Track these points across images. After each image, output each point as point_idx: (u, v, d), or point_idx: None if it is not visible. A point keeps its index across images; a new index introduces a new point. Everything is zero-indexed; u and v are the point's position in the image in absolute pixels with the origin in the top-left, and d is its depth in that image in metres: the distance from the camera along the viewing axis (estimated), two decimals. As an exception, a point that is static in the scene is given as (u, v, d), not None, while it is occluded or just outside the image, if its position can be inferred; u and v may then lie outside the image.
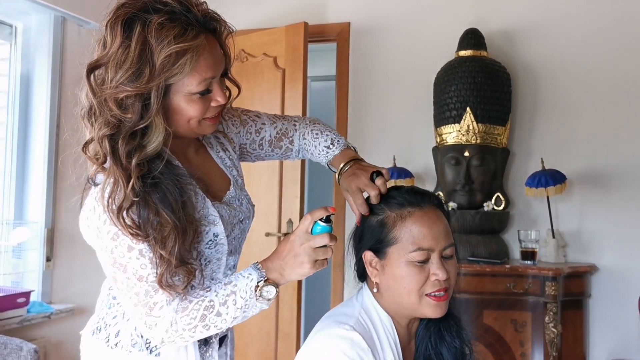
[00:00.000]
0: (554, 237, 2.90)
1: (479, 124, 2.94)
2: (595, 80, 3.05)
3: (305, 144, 1.44)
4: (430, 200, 1.24)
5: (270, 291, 1.13)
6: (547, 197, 2.87)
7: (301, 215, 3.16)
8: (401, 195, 1.24)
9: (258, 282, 1.12)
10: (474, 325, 2.72)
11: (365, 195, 1.26)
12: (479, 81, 2.93)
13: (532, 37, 3.16)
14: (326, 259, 1.14)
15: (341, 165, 1.34)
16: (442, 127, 3.04)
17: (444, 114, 3.02)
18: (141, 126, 1.10)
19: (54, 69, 3.28)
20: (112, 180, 1.08)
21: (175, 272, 1.09)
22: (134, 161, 1.09)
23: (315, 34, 3.35)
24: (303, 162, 3.46)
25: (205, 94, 1.15)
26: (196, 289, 1.14)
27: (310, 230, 1.13)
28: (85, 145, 1.15)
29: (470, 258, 2.84)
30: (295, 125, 1.45)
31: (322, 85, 4.62)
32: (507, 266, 2.73)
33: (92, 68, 1.11)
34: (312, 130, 1.44)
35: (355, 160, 1.34)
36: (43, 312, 3.06)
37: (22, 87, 3.26)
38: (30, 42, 3.29)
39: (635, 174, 2.95)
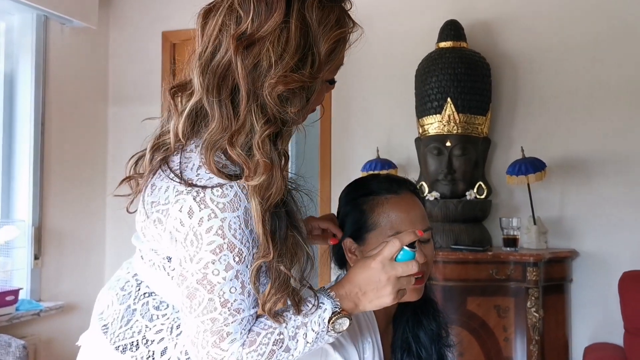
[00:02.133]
0: (535, 223, 2.95)
1: (460, 114, 2.98)
2: (574, 69, 3.10)
3: None
4: (406, 187, 1.28)
5: (343, 324, 0.99)
6: (528, 185, 2.93)
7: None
8: (378, 183, 1.28)
9: (332, 314, 0.97)
10: (458, 311, 2.77)
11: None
12: (459, 72, 2.98)
13: (511, 27, 3.21)
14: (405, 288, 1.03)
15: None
16: (423, 118, 3.09)
17: (425, 105, 3.07)
18: (296, 124, 0.96)
19: (38, 68, 3.29)
20: (264, 189, 0.92)
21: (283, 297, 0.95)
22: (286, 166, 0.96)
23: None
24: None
25: (333, 82, 1.03)
26: (261, 317, 0.98)
27: (394, 257, 1.01)
28: (232, 137, 0.93)
29: (454, 246, 2.88)
30: None
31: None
32: (490, 253, 2.78)
33: (247, 43, 0.91)
34: None
35: None
36: (32, 309, 3.09)
37: (5, 86, 3.27)
38: (13, 41, 3.30)
39: (612, 160, 3.01)
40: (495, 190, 3.15)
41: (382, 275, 0.99)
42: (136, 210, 1.09)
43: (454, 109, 2.98)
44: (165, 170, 0.98)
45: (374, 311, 1.26)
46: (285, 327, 0.96)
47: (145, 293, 1.05)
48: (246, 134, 0.93)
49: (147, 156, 1.04)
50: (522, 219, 2.96)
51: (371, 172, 1.36)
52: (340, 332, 0.99)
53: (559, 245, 3.05)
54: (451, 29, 3.09)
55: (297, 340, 0.96)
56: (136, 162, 1.08)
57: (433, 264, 2.61)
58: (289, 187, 1.01)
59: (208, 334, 0.92)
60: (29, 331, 3.13)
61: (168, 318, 1.03)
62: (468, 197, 2.99)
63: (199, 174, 0.94)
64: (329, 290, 1.01)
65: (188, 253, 0.92)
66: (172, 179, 0.95)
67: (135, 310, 1.04)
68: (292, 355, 0.96)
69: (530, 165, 2.87)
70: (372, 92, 3.42)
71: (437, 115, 3.02)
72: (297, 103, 0.94)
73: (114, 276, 1.15)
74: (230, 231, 0.91)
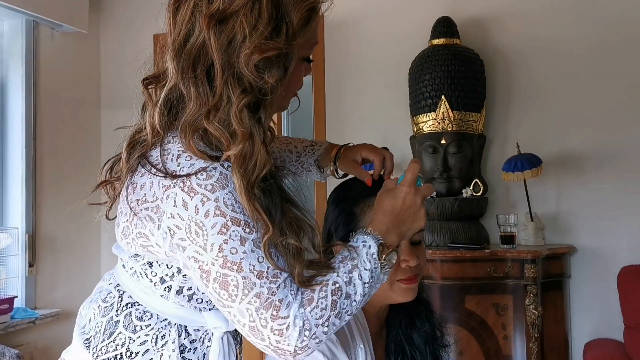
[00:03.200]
0: (532, 220, 2.93)
1: (455, 112, 2.96)
2: (569, 64, 3.08)
3: (272, 152, 1.34)
4: None
5: (392, 257, 0.98)
6: (524, 181, 2.90)
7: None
8: (366, 185, 1.25)
9: (378, 249, 0.97)
10: (456, 310, 2.75)
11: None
12: (452, 69, 2.95)
13: (505, 23, 3.18)
14: None
15: (338, 148, 1.32)
16: (418, 116, 3.06)
17: (419, 103, 3.05)
18: (273, 95, 0.95)
19: (28, 73, 3.27)
20: (243, 159, 0.91)
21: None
22: (268, 138, 0.96)
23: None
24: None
25: (310, 61, 1.04)
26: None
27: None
28: (209, 112, 0.92)
29: (451, 245, 2.86)
30: None
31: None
32: (487, 251, 2.76)
33: (218, 19, 0.93)
34: (276, 138, 1.35)
35: (344, 145, 1.33)
36: (27, 317, 3.06)
37: (-5, 92, 3.24)
38: (2, 47, 3.28)
39: (608, 154, 2.99)
40: (491, 187, 3.13)
41: (416, 198, 1.02)
42: (115, 218, 1.06)
43: (448, 107, 2.95)
44: (145, 165, 0.96)
45: (366, 315, 1.24)
46: (338, 276, 0.93)
47: (128, 303, 1.02)
48: (223, 107, 0.92)
49: (124, 155, 1.01)
50: (519, 216, 2.94)
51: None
52: (391, 267, 0.98)
53: (557, 241, 3.03)
54: (444, 26, 3.07)
55: (354, 284, 0.93)
56: (111, 167, 1.06)
57: (430, 263, 2.59)
58: (277, 164, 1.01)
59: (262, 311, 0.88)
60: (25, 339, 3.10)
61: (152, 328, 1.00)
62: (464, 195, 2.97)
63: (179, 163, 0.92)
64: (367, 229, 1.00)
65: (198, 245, 0.89)
66: (154, 174, 0.93)
67: (118, 322, 1.01)
68: (355, 300, 0.94)
69: (526, 161, 2.85)
70: (366, 90, 3.40)
71: (432, 113, 3.00)
72: (275, 72, 0.93)
73: (96, 288, 1.11)
74: (228, 208, 0.89)
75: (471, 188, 2.98)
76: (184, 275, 0.99)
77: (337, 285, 0.92)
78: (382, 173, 1.27)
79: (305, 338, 0.89)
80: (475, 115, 3.01)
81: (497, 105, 3.17)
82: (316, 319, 0.90)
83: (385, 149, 1.30)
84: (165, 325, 1.00)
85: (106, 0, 3.87)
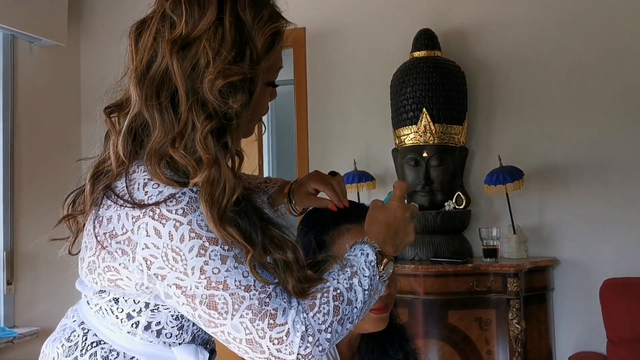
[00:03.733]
0: (514, 232, 2.92)
1: (436, 124, 2.95)
2: (550, 76, 3.07)
3: None
4: (366, 214, 1.23)
5: (389, 268, 0.99)
6: (507, 194, 2.89)
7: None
8: (336, 212, 1.23)
9: (376, 257, 0.98)
10: (439, 325, 2.73)
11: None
12: (433, 81, 2.94)
13: (486, 35, 3.18)
14: None
15: (290, 184, 1.31)
16: (400, 129, 3.05)
17: (401, 116, 3.03)
18: (240, 120, 0.94)
19: (6, 87, 3.23)
20: (210, 186, 0.89)
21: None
22: (237, 163, 0.96)
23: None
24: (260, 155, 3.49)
25: (275, 85, 1.05)
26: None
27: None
28: (174, 140, 0.91)
29: (433, 259, 2.84)
30: None
31: (288, 88, 4.63)
32: (470, 265, 2.74)
33: (181, 45, 0.92)
34: None
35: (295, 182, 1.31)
36: (5, 336, 3.01)
37: (-28, 108, 3.20)
38: (-22, 62, 3.23)
39: (590, 166, 2.99)
40: (474, 200, 3.12)
41: (406, 213, 1.04)
42: (78, 252, 1.03)
43: (429, 119, 2.94)
44: (111, 197, 0.94)
45: (337, 345, 1.21)
46: (338, 282, 0.94)
47: (93, 342, 0.99)
48: (189, 134, 0.91)
49: (87, 187, 0.98)
50: (502, 228, 2.92)
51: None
52: (388, 279, 0.99)
53: (540, 253, 3.02)
54: (425, 38, 3.06)
55: (355, 291, 0.94)
56: (74, 201, 1.03)
57: (413, 278, 2.56)
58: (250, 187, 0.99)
59: (257, 322, 0.87)
60: (4, 358, 3.05)
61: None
62: (447, 208, 2.95)
63: (147, 192, 0.90)
64: (365, 239, 1.01)
65: (178, 272, 0.87)
66: (121, 206, 0.91)
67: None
68: (356, 307, 0.94)
69: (508, 175, 2.84)
70: (348, 103, 3.38)
71: (413, 125, 2.98)
72: (240, 97, 0.93)
73: (59, 325, 1.07)
74: (202, 229, 0.88)
75: (454, 201, 2.97)
76: (152, 310, 0.97)
77: (339, 290, 0.93)
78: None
79: (308, 344, 0.88)
80: (457, 127, 2.99)
81: (479, 118, 3.16)
82: (319, 324, 0.89)
83: (333, 173, 1.28)
84: None
85: (86, 13, 3.83)
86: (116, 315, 0.98)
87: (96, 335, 0.99)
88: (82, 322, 1.02)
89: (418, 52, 3.05)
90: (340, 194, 1.24)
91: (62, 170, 3.59)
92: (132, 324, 0.97)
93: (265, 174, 4.57)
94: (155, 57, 0.94)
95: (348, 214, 1.22)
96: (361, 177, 3.11)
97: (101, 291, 0.98)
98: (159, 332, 0.98)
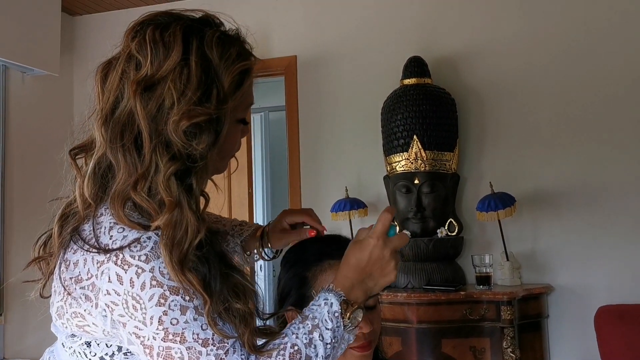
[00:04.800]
0: (507, 259, 2.90)
1: (427, 151, 2.94)
2: (540, 102, 3.08)
3: None
4: None
5: (357, 315, 0.94)
6: (499, 220, 2.88)
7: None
8: (320, 248, 1.22)
9: (341, 306, 0.93)
10: (433, 354, 2.69)
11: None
12: (424, 109, 2.95)
13: (476, 62, 3.19)
14: None
15: (262, 228, 1.30)
16: (391, 156, 3.05)
17: (392, 143, 3.03)
18: (206, 160, 0.92)
19: (-3, 118, 3.23)
20: (172, 229, 0.87)
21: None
22: (201, 205, 0.93)
23: (261, 68, 3.33)
24: (250, 183, 3.49)
25: (246, 123, 1.03)
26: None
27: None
28: (136, 182, 0.90)
29: (426, 286, 2.82)
30: None
31: (280, 115, 4.65)
32: (463, 293, 2.71)
33: (145, 85, 0.91)
34: (207, 215, 1.36)
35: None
36: (-6, 369, 2.97)
37: (-37, 139, 3.20)
38: (-30, 93, 3.24)
39: (582, 192, 2.98)
40: (467, 226, 3.10)
41: (385, 251, 0.96)
42: (49, 296, 1.02)
43: (420, 146, 2.94)
44: (77, 242, 0.92)
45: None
46: (297, 338, 0.89)
47: None
48: (152, 176, 0.90)
49: (55, 230, 0.97)
50: (494, 255, 2.90)
51: (313, 236, 1.29)
52: (356, 327, 0.94)
53: (534, 279, 3.00)
54: (415, 66, 3.07)
55: (315, 345, 0.89)
56: (45, 243, 1.01)
57: (406, 306, 2.54)
58: (213, 229, 0.97)
59: None
60: (-8, 392, 3.01)
61: None
62: (439, 235, 2.93)
63: (112, 236, 0.89)
64: (330, 286, 0.96)
65: (137, 320, 0.86)
66: (87, 251, 0.90)
67: None
68: None
69: (500, 201, 2.83)
70: (339, 130, 3.38)
71: (404, 152, 2.98)
72: (205, 138, 0.91)
73: None
74: (165, 277, 0.86)
75: (446, 228, 2.95)
76: (125, 354, 0.95)
77: (296, 347, 0.88)
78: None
79: None
80: (448, 154, 2.99)
81: (470, 144, 3.16)
82: None
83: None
84: None
85: (78, 43, 3.86)
86: (89, 359, 0.96)
87: None
88: None
89: (408, 80, 3.06)
90: (317, 220, 1.24)
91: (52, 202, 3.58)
92: None
93: (259, 202, 4.55)
94: (121, 98, 0.93)
95: (330, 249, 1.20)
96: (353, 204, 3.10)
97: (73, 335, 0.97)
98: None
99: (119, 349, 0.95)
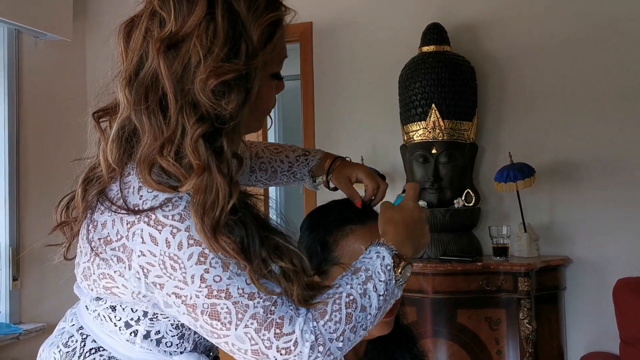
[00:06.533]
0: (525, 231, 2.86)
1: (445, 120, 2.89)
2: (561, 71, 3.01)
3: (262, 162, 1.30)
4: (372, 216, 1.19)
5: (407, 270, 0.94)
6: (517, 192, 2.84)
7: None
8: (342, 212, 1.19)
9: (392, 260, 0.92)
10: (448, 325, 2.68)
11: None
12: (442, 77, 2.89)
13: (496, 29, 3.12)
14: None
15: (332, 160, 1.28)
16: (408, 125, 3.00)
17: (409, 112, 2.98)
18: (237, 120, 0.88)
19: (11, 83, 3.20)
20: (202, 194, 0.83)
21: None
22: (233, 167, 0.89)
23: (277, 35, 3.28)
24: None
25: (280, 78, 0.98)
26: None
27: None
28: (162, 146, 0.86)
29: (442, 257, 2.80)
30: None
31: (294, 84, 4.59)
32: (479, 264, 2.69)
33: (170, 43, 0.86)
34: (266, 147, 1.32)
35: (340, 158, 1.30)
36: (11, 333, 3.00)
37: (-24, 104, 3.18)
38: (-17, 57, 3.21)
39: (603, 163, 2.92)
40: (484, 197, 3.06)
41: (422, 214, 1.02)
42: (74, 258, 1.00)
43: (438, 115, 2.89)
44: (104, 202, 0.89)
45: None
46: (352, 288, 0.88)
47: (91, 349, 0.95)
48: (179, 139, 0.86)
49: (79, 192, 0.94)
50: (512, 227, 2.87)
51: (334, 200, 1.26)
52: (405, 283, 0.94)
53: (551, 252, 2.96)
54: (434, 33, 3.00)
55: (369, 296, 0.88)
56: (67, 205, 0.98)
57: (421, 276, 2.52)
58: (247, 192, 0.94)
59: (263, 332, 0.83)
60: (9, 355, 3.03)
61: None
62: (456, 206, 2.90)
63: (142, 196, 0.86)
64: (381, 240, 0.96)
65: (177, 280, 0.83)
66: (115, 212, 0.87)
67: None
68: (370, 314, 0.89)
69: (519, 172, 2.78)
70: (355, 99, 3.33)
71: (422, 122, 2.93)
72: (235, 97, 0.87)
73: (57, 329, 1.03)
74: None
75: (463, 198, 2.91)
76: (151, 319, 0.93)
77: (352, 297, 0.87)
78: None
79: (319, 354, 0.84)
80: (466, 124, 2.94)
81: (489, 114, 3.10)
82: (330, 333, 0.85)
83: (383, 177, 1.26)
84: None
85: (91, 8, 3.80)
86: (114, 323, 0.94)
87: (95, 342, 0.96)
88: (81, 327, 0.98)
89: (427, 47, 2.99)
90: (376, 199, 1.22)
91: (68, 166, 3.58)
92: (131, 332, 0.94)
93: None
94: (145, 58, 0.89)
95: (352, 215, 1.18)
96: (369, 173, 3.06)
97: (98, 298, 0.95)
98: (158, 341, 0.94)
99: (145, 314, 0.93)
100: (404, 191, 1.07)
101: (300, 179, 1.30)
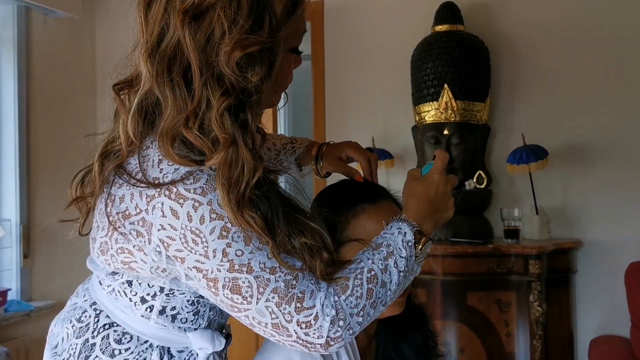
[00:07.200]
0: (537, 213, 2.83)
1: (458, 101, 2.86)
2: (577, 51, 2.96)
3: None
4: (384, 195, 1.17)
5: (427, 247, 0.94)
6: (530, 174, 2.81)
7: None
8: (353, 191, 1.17)
9: (414, 236, 0.92)
10: (458, 307, 2.68)
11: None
12: (455, 57, 2.84)
13: (511, 9, 3.06)
14: None
15: (319, 146, 1.26)
16: (420, 106, 2.96)
17: (421, 92, 2.94)
18: (261, 94, 0.87)
19: (20, 60, 3.19)
20: (227, 168, 0.83)
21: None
22: (258, 142, 0.89)
23: (288, 13, 3.24)
24: (274, 132, 3.40)
25: (299, 52, 0.97)
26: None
27: None
28: (188, 119, 0.85)
29: (453, 239, 2.78)
30: None
31: (305, 63, 4.56)
32: (490, 246, 2.67)
33: (193, 15, 0.84)
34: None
35: (326, 144, 1.28)
36: (22, 310, 3.02)
37: (-14, 81, 3.17)
38: (-7, 34, 3.20)
39: (616, 146, 2.88)
40: (495, 179, 3.03)
41: (447, 187, 0.99)
42: (89, 233, 0.98)
43: (451, 96, 2.85)
44: (123, 176, 0.88)
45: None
46: (373, 263, 0.89)
47: (105, 325, 0.95)
48: (203, 112, 0.85)
49: (96, 167, 0.93)
50: (524, 209, 2.84)
51: (345, 179, 1.24)
52: (424, 259, 0.95)
53: (563, 234, 2.94)
54: (447, 12, 2.95)
55: (390, 272, 0.89)
56: (82, 180, 0.97)
57: (432, 258, 2.52)
58: (270, 167, 0.94)
59: (284, 306, 0.83)
60: (20, 332, 3.06)
61: (132, 352, 0.93)
62: (467, 187, 2.87)
63: (162, 169, 0.85)
64: (402, 216, 0.95)
65: (198, 254, 0.83)
66: (134, 185, 0.86)
67: (94, 344, 0.93)
68: (390, 290, 0.90)
69: (532, 153, 2.75)
70: (367, 79, 3.29)
71: (434, 102, 2.89)
72: (259, 69, 0.86)
73: (69, 304, 1.02)
74: (223, 208, 0.83)
75: (474, 180, 2.89)
76: (167, 295, 0.93)
77: (373, 272, 0.88)
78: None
79: (339, 328, 0.84)
80: (479, 105, 2.90)
81: (502, 95, 3.06)
82: (351, 307, 0.85)
83: (370, 150, 1.24)
84: (147, 348, 0.94)
85: (101, -15, 3.77)
86: (129, 298, 0.94)
87: (109, 317, 0.96)
88: (94, 303, 0.98)
89: (440, 26, 2.95)
90: (372, 172, 1.20)
91: (78, 143, 3.57)
92: (146, 307, 0.93)
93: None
94: (166, 30, 0.87)
95: (363, 194, 1.16)
96: (379, 154, 3.04)
97: (114, 272, 0.94)
98: (173, 317, 0.94)
99: (161, 289, 0.93)
100: (434, 157, 1.03)
101: (287, 168, 1.29)
